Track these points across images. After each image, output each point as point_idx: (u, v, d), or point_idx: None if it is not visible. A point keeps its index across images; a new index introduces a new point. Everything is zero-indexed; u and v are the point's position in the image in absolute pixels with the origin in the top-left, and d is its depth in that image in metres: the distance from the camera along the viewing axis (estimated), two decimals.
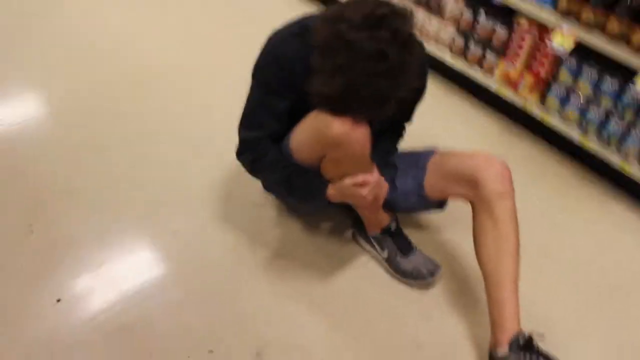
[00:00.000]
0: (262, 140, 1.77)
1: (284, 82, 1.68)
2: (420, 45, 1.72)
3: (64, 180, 2.25)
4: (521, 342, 1.64)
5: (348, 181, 1.72)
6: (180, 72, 3.02)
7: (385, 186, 1.81)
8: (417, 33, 1.57)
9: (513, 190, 1.78)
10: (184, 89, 2.89)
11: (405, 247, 2.02)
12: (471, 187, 1.80)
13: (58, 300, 1.82)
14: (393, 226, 2.02)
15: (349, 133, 1.57)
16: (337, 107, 1.54)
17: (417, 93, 1.84)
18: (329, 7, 1.56)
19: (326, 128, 1.58)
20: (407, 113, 1.94)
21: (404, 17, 1.47)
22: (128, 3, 3.63)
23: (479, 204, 1.80)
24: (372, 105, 1.50)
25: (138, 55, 3.11)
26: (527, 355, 1.62)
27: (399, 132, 2.03)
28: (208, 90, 2.90)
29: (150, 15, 3.55)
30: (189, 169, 2.38)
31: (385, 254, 2.03)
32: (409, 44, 1.47)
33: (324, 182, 1.76)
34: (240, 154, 1.83)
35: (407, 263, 1.99)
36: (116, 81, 2.87)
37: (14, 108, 2.64)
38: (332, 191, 1.76)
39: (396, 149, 2.03)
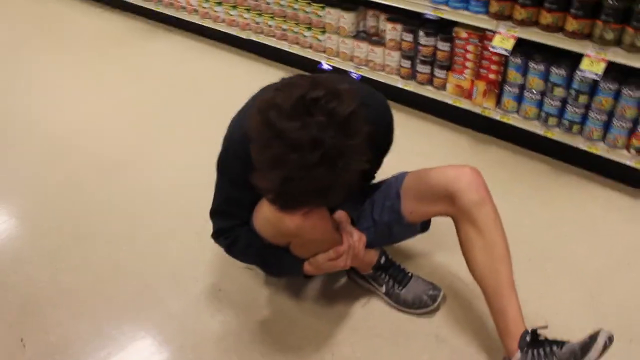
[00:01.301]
0: (235, 227, 1.78)
1: (246, 176, 1.52)
2: (383, 109, 1.73)
3: (49, 284, 2.18)
4: (528, 339, 1.63)
5: (321, 258, 1.73)
6: (145, 154, 3.00)
7: (362, 239, 1.78)
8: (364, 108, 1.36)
9: (489, 195, 1.76)
10: (152, 170, 2.87)
11: (401, 277, 1.99)
12: (448, 202, 1.78)
13: None
14: (383, 260, 2.00)
15: (302, 226, 1.57)
16: (281, 202, 1.44)
17: (379, 155, 1.81)
18: (263, 89, 1.45)
19: (279, 224, 1.59)
20: (368, 174, 1.91)
21: (340, 96, 1.31)
22: (78, 93, 3.62)
23: (460, 217, 1.78)
24: (316, 195, 1.37)
25: (99, 144, 3.08)
26: (538, 350, 1.60)
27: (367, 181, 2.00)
28: (176, 169, 2.87)
29: (105, 102, 3.53)
30: (171, 249, 2.34)
31: (383, 289, 2.00)
32: (348, 124, 1.30)
33: (299, 261, 1.77)
34: (215, 238, 1.86)
35: (406, 293, 1.97)
36: (82, 174, 2.83)
37: None
38: (308, 268, 1.77)
39: (369, 188, 2.00)
